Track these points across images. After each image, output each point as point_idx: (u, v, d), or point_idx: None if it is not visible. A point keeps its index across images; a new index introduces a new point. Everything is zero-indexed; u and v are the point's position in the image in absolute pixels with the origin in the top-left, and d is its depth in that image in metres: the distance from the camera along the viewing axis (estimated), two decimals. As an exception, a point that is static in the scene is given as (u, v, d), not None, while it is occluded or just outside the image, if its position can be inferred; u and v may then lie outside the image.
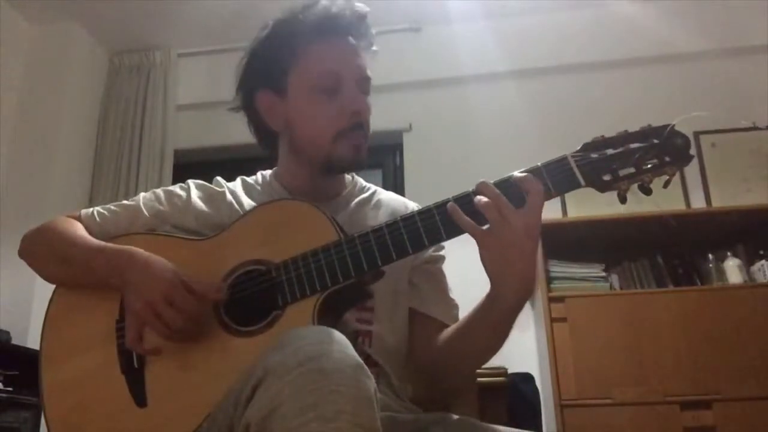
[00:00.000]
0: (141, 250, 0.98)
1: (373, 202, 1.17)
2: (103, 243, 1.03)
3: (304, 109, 1.06)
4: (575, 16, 3.28)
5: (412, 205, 1.18)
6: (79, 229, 1.07)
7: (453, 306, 1.13)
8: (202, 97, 3.47)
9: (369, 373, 0.68)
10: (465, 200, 0.88)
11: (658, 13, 3.16)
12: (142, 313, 0.91)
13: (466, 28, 3.35)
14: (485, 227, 0.85)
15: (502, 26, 3.32)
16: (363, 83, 1.08)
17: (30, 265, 1.09)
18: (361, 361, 0.68)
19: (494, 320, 0.93)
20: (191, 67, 3.55)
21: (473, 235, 0.86)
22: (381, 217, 1.12)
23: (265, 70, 1.09)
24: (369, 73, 1.09)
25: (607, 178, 0.89)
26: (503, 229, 0.84)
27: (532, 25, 3.30)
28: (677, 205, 2.78)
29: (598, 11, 3.26)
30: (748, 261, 2.66)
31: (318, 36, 1.05)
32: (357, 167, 1.09)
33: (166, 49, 3.51)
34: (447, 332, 1.06)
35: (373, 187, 1.21)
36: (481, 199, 0.86)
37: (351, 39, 1.07)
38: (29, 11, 3.25)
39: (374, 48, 1.11)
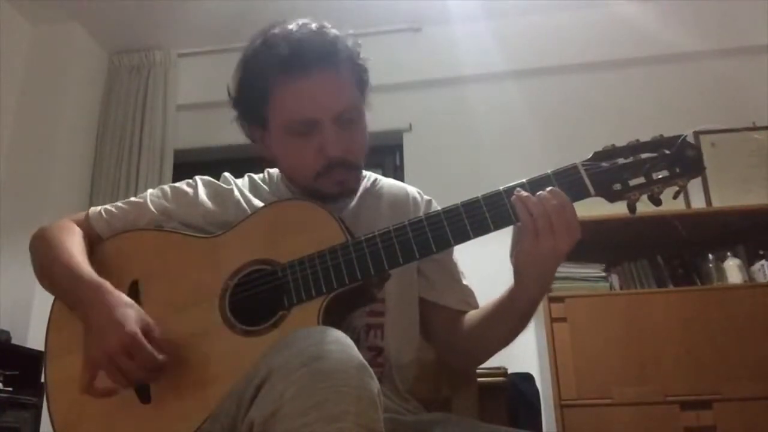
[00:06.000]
0: (112, 289, 0.93)
1: (375, 192, 1.17)
2: (82, 268, 0.98)
3: (281, 148, 1.05)
4: (575, 16, 3.28)
5: (412, 191, 1.19)
6: (72, 243, 1.04)
7: (467, 293, 1.14)
8: (202, 97, 3.47)
9: (372, 373, 0.68)
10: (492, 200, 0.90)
11: (658, 13, 3.16)
12: (100, 361, 0.86)
13: (466, 28, 3.35)
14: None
15: (502, 26, 3.32)
16: (341, 118, 1.00)
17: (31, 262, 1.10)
18: (365, 362, 0.69)
19: (520, 310, 0.97)
20: (191, 67, 3.55)
21: (525, 230, 0.87)
22: (384, 207, 1.13)
23: (247, 107, 1.07)
24: (347, 101, 1.01)
25: (617, 187, 0.89)
26: (548, 233, 0.86)
27: (532, 25, 3.30)
28: (677, 205, 2.77)
29: (598, 11, 3.26)
30: (748, 261, 2.66)
31: (286, 76, 0.98)
32: (345, 198, 1.08)
33: (166, 49, 3.51)
34: (469, 321, 1.08)
35: (373, 176, 1.21)
36: (535, 207, 0.86)
37: (322, 72, 0.99)
38: (29, 11, 3.25)
39: (361, 60, 1.06)
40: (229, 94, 1.09)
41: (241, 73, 1.05)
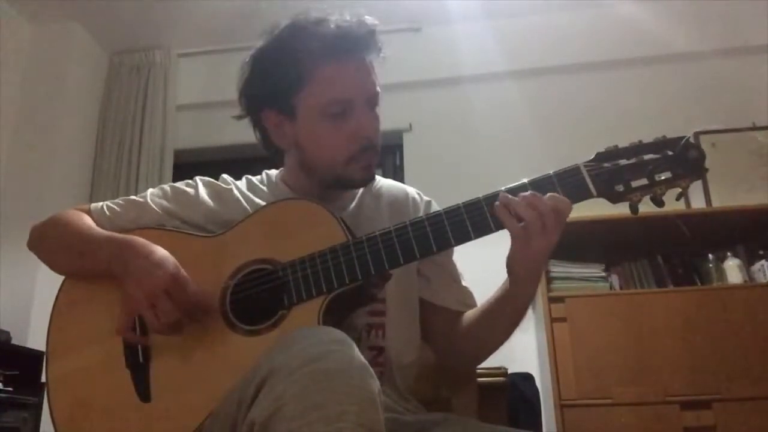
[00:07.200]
0: (146, 241, 0.98)
1: (375, 192, 1.17)
2: (109, 232, 1.04)
3: (314, 133, 1.03)
4: (575, 16, 3.28)
5: (412, 191, 1.19)
6: (87, 220, 1.08)
7: (466, 294, 1.14)
8: (202, 97, 3.47)
9: (373, 373, 0.68)
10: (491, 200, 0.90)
11: (658, 13, 3.16)
12: (139, 301, 0.90)
13: (466, 28, 3.35)
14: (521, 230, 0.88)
15: (502, 26, 3.32)
16: (373, 99, 1.04)
17: (38, 255, 1.10)
18: (366, 362, 0.69)
19: (517, 307, 0.98)
20: (191, 67, 3.55)
21: (515, 237, 0.89)
22: (383, 207, 1.13)
23: (272, 89, 1.04)
24: (376, 87, 1.05)
25: (619, 188, 0.89)
26: (541, 235, 0.87)
27: (532, 25, 3.30)
28: (677, 205, 2.77)
29: (597, 11, 3.26)
30: (748, 261, 2.66)
31: (329, 57, 0.99)
32: (367, 184, 1.09)
33: (166, 49, 3.51)
34: (466, 322, 1.08)
35: None
36: (525, 206, 0.87)
37: (362, 56, 1.02)
38: (29, 11, 3.25)
39: (382, 54, 1.07)
40: (243, 84, 1.08)
41: (272, 53, 1.04)
